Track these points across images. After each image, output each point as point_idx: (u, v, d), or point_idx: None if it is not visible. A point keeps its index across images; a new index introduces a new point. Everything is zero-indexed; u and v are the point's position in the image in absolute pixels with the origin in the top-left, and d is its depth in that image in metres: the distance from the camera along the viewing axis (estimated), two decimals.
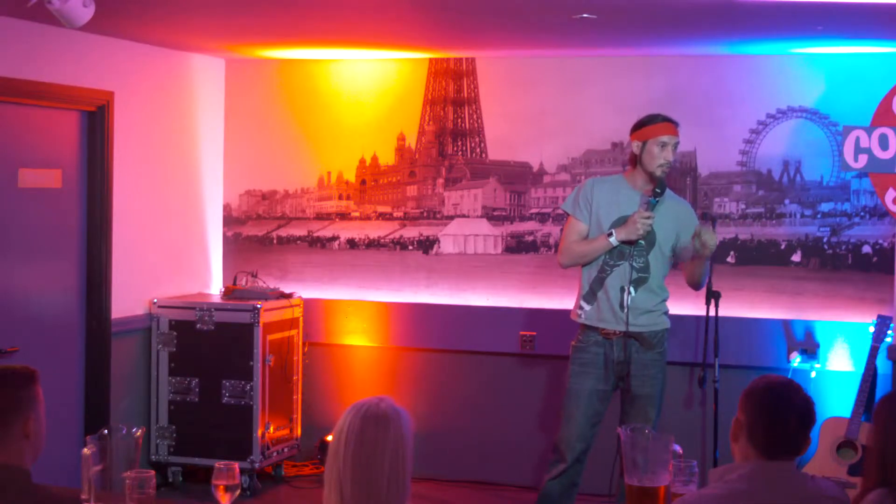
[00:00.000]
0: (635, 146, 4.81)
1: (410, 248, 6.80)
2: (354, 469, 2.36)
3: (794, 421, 2.74)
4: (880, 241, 6.03)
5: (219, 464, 2.98)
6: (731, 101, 6.21)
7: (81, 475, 2.92)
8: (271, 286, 6.68)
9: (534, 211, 6.58)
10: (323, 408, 6.74)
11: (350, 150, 6.86)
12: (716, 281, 5.14)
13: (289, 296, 6.54)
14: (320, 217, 6.96)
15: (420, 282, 6.75)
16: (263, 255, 7.02)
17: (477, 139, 6.67)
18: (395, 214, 6.84)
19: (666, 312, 4.89)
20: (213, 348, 6.24)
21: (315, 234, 6.98)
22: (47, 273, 5.70)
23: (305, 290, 6.79)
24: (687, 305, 5.83)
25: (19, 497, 2.68)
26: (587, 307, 4.85)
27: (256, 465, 6.16)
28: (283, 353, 6.42)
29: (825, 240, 6.11)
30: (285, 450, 6.48)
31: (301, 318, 6.62)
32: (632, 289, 4.76)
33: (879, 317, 5.69)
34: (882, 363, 5.70)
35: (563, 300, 6.23)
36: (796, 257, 6.16)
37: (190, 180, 6.74)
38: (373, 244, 6.88)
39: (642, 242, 4.76)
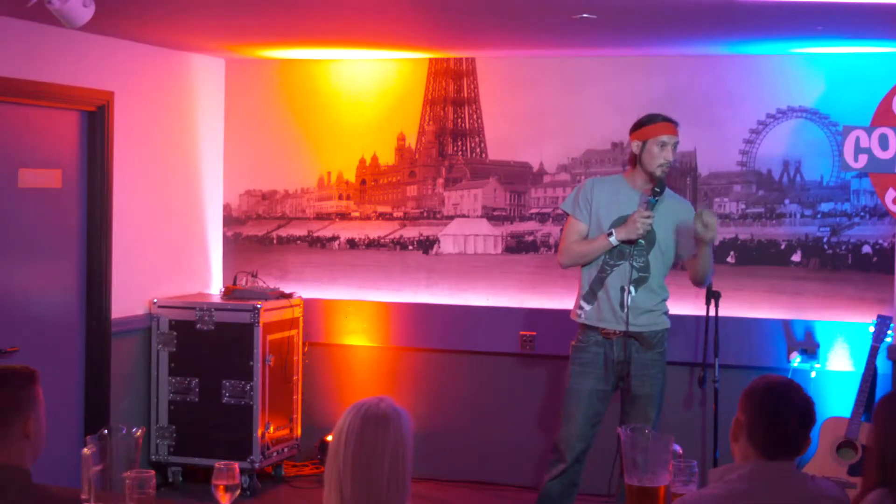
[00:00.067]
0: (635, 146, 4.80)
1: (410, 248, 6.80)
2: (354, 469, 2.36)
3: (794, 421, 2.74)
4: (880, 241, 6.03)
5: (219, 464, 2.98)
6: (731, 101, 6.21)
7: (81, 475, 2.92)
8: (271, 286, 6.68)
9: (534, 211, 6.58)
10: (323, 408, 6.74)
11: (350, 150, 6.86)
12: (716, 281, 5.14)
13: (289, 296, 6.54)
14: (320, 217, 6.96)
15: (420, 282, 6.75)
16: (263, 255, 7.02)
17: (477, 139, 6.67)
18: (395, 214, 6.84)
19: (666, 312, 4.89)
20: (213, 348, 6.24)
21: (315, 234, 6.98)
22: (47, 273, 5.70)
23: (305, 290, 6.79)
24: (687, 305, 5.83)
25: (19, 497, 2.68)
26: (587, 307, 4.85)
27: (256, 465, 6.16)
28: (283, 353, 6.42)
29: (825, 240, 6.11)
30: (285, 450, 6.48)
31: (301, 318, 6.62)
32: (632, 288, 4.76)
33: (879, 317, 5.69)
34: (882, 363, 5.70)
35: (563, 300, 6.23)
36: (796, 257, 6.16)
37: (190, 180, 6.74)
38: (373, 244, 6.88)
39: (642, 242, 4.76)
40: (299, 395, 6.61)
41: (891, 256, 5.99)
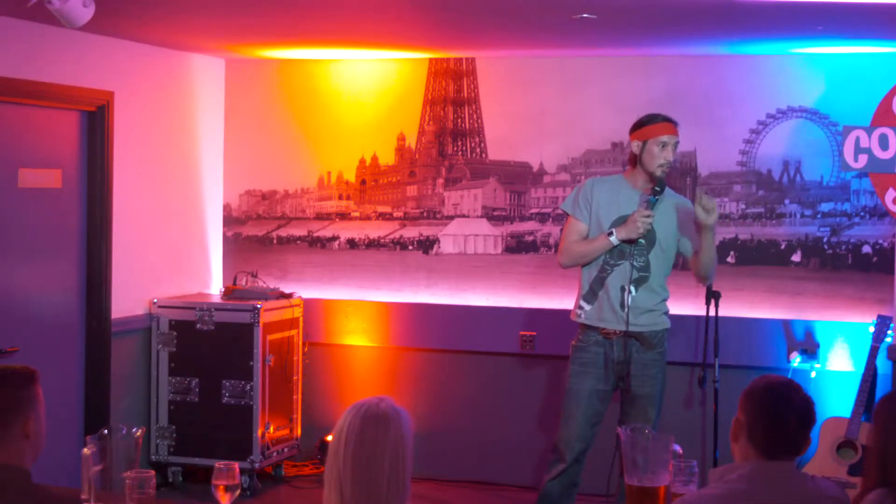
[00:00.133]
0: (635, 146, 4.80)
1: (410, 248, 6.80)
2: (354, 469, 2.36)
3: (794, 421, 2.74)
4: (880, 241, 6.03)
5: (219, 464, 2.98)
6: (731, 101, 6.21)
7: (81, 475, 2.92)
8: (271, 286, 6.68)
9: (534, 211, 6.58)
10: (323, 408, 6.74)
11: (350, 150, 6.86)
12: (716, 281, 5.14)
13: (289, 296, 6.54)
14: (320, 217, 6.96)
15: (420, 282, 6.75)
16: (263, 255, 7.02)
17: (477, 139, 6.67)
18: (395, 214, 6.84)
19: (666, 312, 4.88)
20: (213, 348, 6.24)
21: (315, 234, 6.98)
22: (47, 273, 5.70)
23: (305, 290, 6.79)
24: (687, 305, 5.83)
25: (19, 497, 2.68)
26: (587, 307, 4.85)
27: (256, 465, 6.16)
28: (283, 353, 6.42)
29: (825, 240, 6.11)
30: (285, 450, 6.48)
31: (301, 318, 6.62)
32: (632, 288, 4.76)
33: (879, 317, 5.69)
34: (882, 363, 5.70)
35: (563, 300, 6.23)
36: (796, 257, 6.16)
37: (190, 180, 6.74)
38: (373, 244, 6.88)
39: (642, 241, 4.75)
40: (299, 395, 6.62)
41: (891, 256, 5.99)
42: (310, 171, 6.94)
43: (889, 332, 5.65)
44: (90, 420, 5.83)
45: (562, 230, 5.07)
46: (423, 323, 6.64)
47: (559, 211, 6.32)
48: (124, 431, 2.96)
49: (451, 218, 6.73)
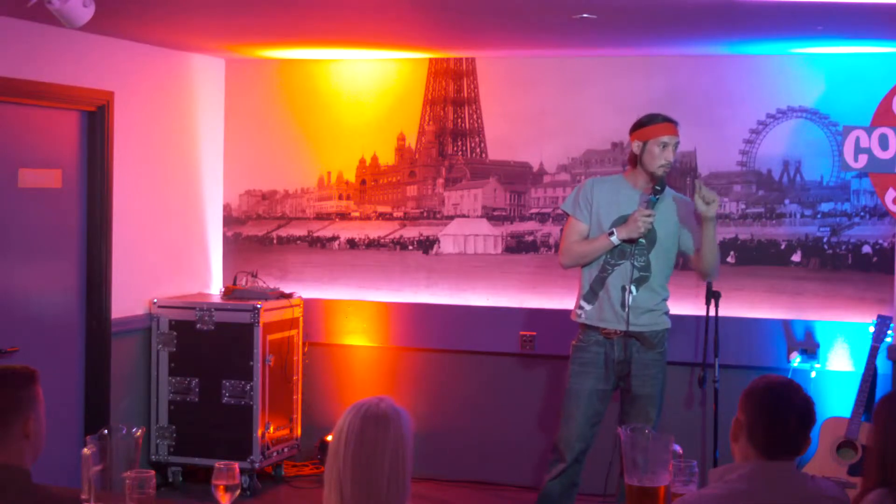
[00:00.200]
0: (636, 146, 4.80)
1: (410, 248, 6.80)
2: (354, 469, 2.36)
3: (794, 421, 2.74)
4: (880, 241, 6.03)
5: (219, 464, 2.98)
6: (731, 101, 6.21)
7: (81, 475, 2.92)
8: (271, 286, 6.68)
9: (534, 211, 6.58)
10: (323, 408, 6.74)
11: (350, 150, 6.86)
12: (716, 281, 5.14)
13: (289, 296, 6.54)
14: (320, 217, 6.96)
15: (420, 282, 6.75)
16: (263, 255, 7.02)
17: (477, 139, 6.67)
18: (395, 214, 6.84)
19: (667, 312, 4.88)
20: (213, 348, 6.24)
21: (315, 234, 6.98)
22: (47, 273, 5.70)
23: (305, 290, 6.79)
24: (687, 305, 5.83)
25: (19, 497, 2.68)
26: (588, 307, 4.85)
27: (256, 465, 6.16)
28: (283, 353, 6.42)
29: (825, 240, 6.11)
30: (285, 450, 6.48)
31: (301, 318, 6.62)
32: (633, 288, 4.76)
33: (879, 317, 5.69)
34: (882, 363, 5.70)
35: (563, 300, 6.23)
36: (796, 257, 6.16)
37: (190, 180, 6.74)
38: (373, 244, 6.88)
39: (643, 241, 4.75)
40: (299, 395, 6.61)
41: (891, 256, 5.99)
42: (310, 171, 6.94)
43: (889, 332, 5.65)
44: (90, 420, 5.83)
45: (562, 230, 5.07)
46: (423, 323, 6.64)
47: (559, 211, 6.32)
48: (124, 431, 2.96)
49: (451, 218, 6.73)
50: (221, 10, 5.17)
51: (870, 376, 5.56)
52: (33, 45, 5.41)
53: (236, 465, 2.99)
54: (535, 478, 6.11)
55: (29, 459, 2.77)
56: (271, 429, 6.29)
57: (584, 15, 4.91)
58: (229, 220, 7.07)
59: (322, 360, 6.81)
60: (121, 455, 2.93)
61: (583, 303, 4.86)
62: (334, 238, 6.95)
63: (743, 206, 6.23)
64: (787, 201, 6.17)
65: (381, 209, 6.87)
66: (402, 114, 6.76)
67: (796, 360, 5.99)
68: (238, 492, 2.98)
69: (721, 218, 6.11)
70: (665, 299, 4.87)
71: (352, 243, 6.92)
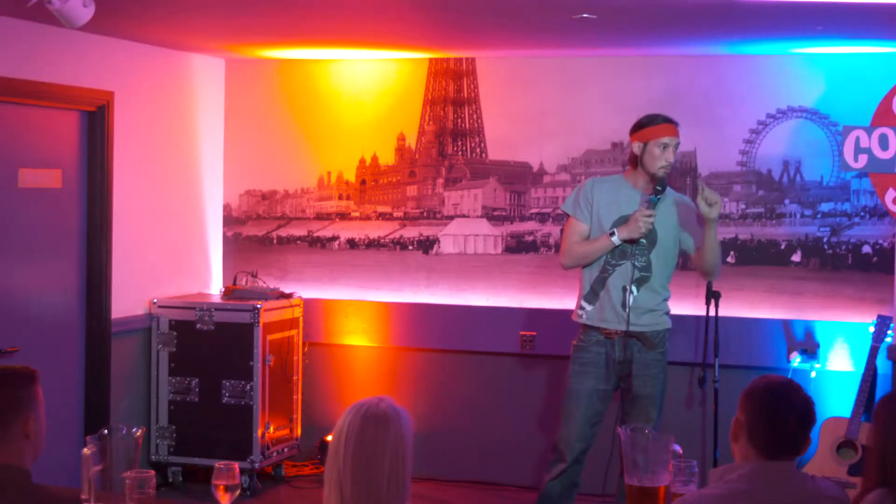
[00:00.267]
0: (636, 147, 4.79)
1: (410, 248, 6.80)
2: (354, 469, 2.36)
3: (794, 421, 2.74)
4: (880, 241, 6.03)
5: (219, 464, 2.98)
6: (731, 101, 6.21)
7: (81, 475, 2.92)
8: (271, 286, 6.68)
9: (534, 211, 6.58)
10: (323, 408, 6.74)
11: (350, 150, 6.86)
12: (716, 281, 5.13)
13: (289, 296, 6.54)
14: (320, 217, 6.96)
15: (420, 282, 6.75)
16: (263, 255, 7.02)
17: (477, 139, 6.67)
18: (395, 214, 6.84)
19: (667, 312, 4.88)
20: (213, 348, 6.24)
21: (315, 234, 6.98)
22: (47, 273, 5.70)
23: (305, 290, 6.79)
24: (687, 305, 5.83)
25: (19, 497, 2.68)
26: (589, 307, 4.85)
27: (256, 465, 6.16)
28: (283, 353, 6.42)
29: (825, 240, 6.11)
30: (285, 450, 6.48)
31: (301, 318, 6.62)
32: (634, 288, 4.76)
33: (879, 317, 5.69)
34: (882, 363, 5.70)
35: (563, 300, 6.23)
36: (796, 257, 6.16)
37: (190, 180, 6.74)
38: (373, 244, 6.88)
39: (644, 241, 4.75)
40: (299, 395, 6.61)
41: (891, 256, 5.99)
42: (310, 171, 6.94)
43: (889, 332, 5.65)
44: (90, 420, 5.83)
45: (562, 231, 5.07)
46: (423, 323, 6.64)
47: (559, 211, 6.32)
48: (124, 431, 2.96)
49: (451, 218, 6.73)
50: (221, 10, 5.17)
51: (870, 376, 5.56)
52: (33, 45, 5.41)
53: (236, 465, 2.99)
54: (535, 478, 6.11)
55: (29, 459, 2.77)
56: (271, 429, 6.29)
57: (584, 15, 4.91)
58: (229, 220, 7.07)
59: (322, 360, 6.81)
60: (121, 455, 2.93)
61: (584, 303, 4.86)
62: (334, 238, 6.96)
63: (743, 206, 6.23)
64: (787, 201, 6.17)
65: (381, 209, 6.87)
66: (402, 114, 6.76)
67: (796, 360, 5.99)
68: (238, 492, 2.98)
69: (721, 218, 6.07)
70: (666, 299, 4.86)
71: (352, 243, 6.92)
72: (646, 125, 4.77)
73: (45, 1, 4.05)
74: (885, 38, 5.54)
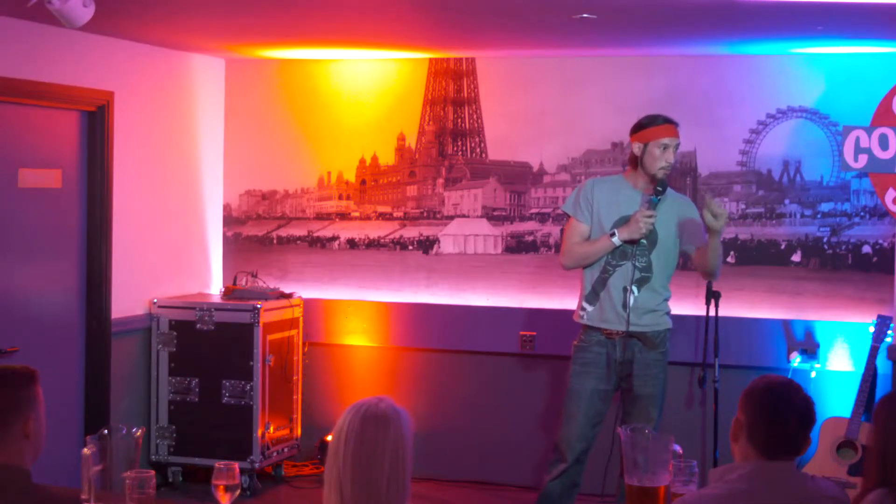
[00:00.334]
0: (636, 148, 4.79)
1: (410, 248, 6.80)
2: (354, 469, 2.36)
3: (794, 421, 2.74)
4: (880, 241, 6.03)
5: (219, 464, 2.98)
6: (731, 101, 6.21)
7: (81, 475, 2.92)
8: (271, 286, 6.68)
9: (534, 211, 6.58)
10: (323, 408, 6.74)
11: (350, 150, 6.86)
12: (716, 281, 5.13)
13: (289, 296, 6.54)
14: (320, 217, 6.96)
15: (420, 282, 6.75)
16: (263, 255, 7.02)
17: (477, 139, 6.67)
18: (395, 214, 6.84)
19: (668, 312, 4.88)
20: (213, 348, 6.24)
21: (315, 234, 6.98)
22: (47, 273, 5.70)
23: (305, 290, 6.79)
24: (687, 305, 5.83)
25: (19, 497, 2.68)
26: (590, 308, 4.85)
27: (256, 465, 6.16)
28: (283, 353, 6.42)
29: (825, 240, 6.11)
30: (285, 450, 6.48)
31: (301, 318, 6.62)
32: (634, 288, 4.76)
33: (879, 317, 5.69)
34: (882, 363, 5.70)
35: (563, 300, 6.23)
36: (796, 257, 6.16)
37: (190, 180, 6.74)
38: (373, 244, 6.88)
39: (644, 242, 4.75)
40: (299, 395, 6.61)
41: (891, 256, 5.99)
42: (310, 171, 6.94)
43: (889, 332, 5.65)
44: (90, 420, 5.83)
45: (562, 231, 5.07)
46: (423, 323, 6.64)
47: (559, 211, 6.33)
48: (124, 431, 2.96)
49: (451, 218, 6.73)
50: (221, 10, 5.17)
51: (870, 376, 5.56)
52: (33, 45, 5.41)
53: (236, 465, 2.99)
54: (535, 478, 6.11)
55: (29, 459, 2.77)
56: (271, 429, 6.29)
57: (584, 15, 4.91)
58: (229, 220, 7.07)
59: (322, 360, 6.81)
60: (121, 455, 2.93)
61: (585, 304, 4.86)
62: (334, 238, 6.96)
63: (743, 206, 6.23)
64: (787, 201, 6.17)
65: (381, 209, 6.87)
66: (402, 114, 6.76)
67: (796, 360, 5.99)
68: (238, 492, 2.98)
69: None
70: (667, 299, 4.87)
71: (352, 243, 6.92)
72: (646, 126, 4.77)
73: (45, 1, 4.05)
74: (885, 38, 5.54)
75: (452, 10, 5.04)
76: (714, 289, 5.28)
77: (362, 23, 5.45)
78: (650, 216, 4.68)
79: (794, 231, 6.17)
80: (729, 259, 6.20)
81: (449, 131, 6.71)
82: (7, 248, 5.42)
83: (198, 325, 6.25)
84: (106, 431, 2.94)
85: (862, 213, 6.05)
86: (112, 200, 5.95)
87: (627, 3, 4.74)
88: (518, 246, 6.61)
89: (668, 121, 4.78)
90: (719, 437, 5.34)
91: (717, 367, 5.33)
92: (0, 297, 5.38)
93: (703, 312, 5.39)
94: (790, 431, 2.73)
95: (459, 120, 6.68)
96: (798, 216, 6.16)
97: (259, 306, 6.20)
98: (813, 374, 5.95)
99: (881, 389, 5.59)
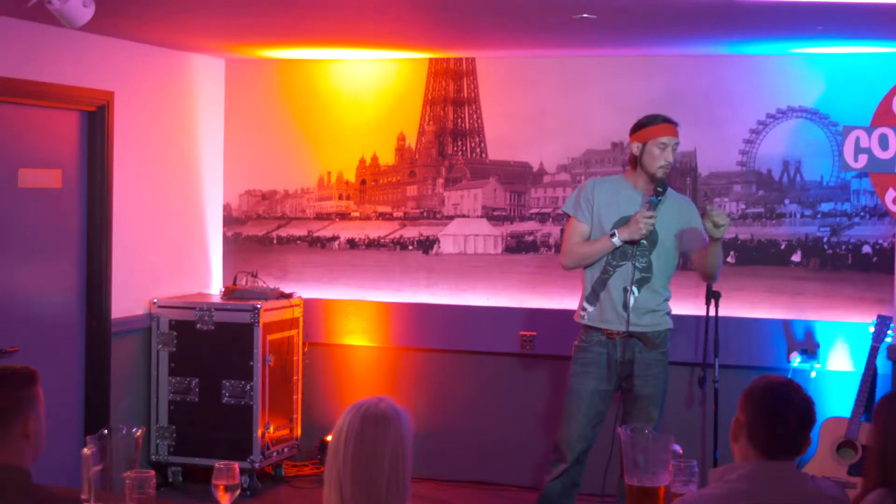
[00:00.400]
0: (635, 147, 4.79)
1: (410, 248, 6.80)
2: (354, 469, 2.36)
3: (794, 421, 2.74)
4: (880, 241, 6.03)
5: (219, 464, 2.98)
6: (731, 101, 6.21)
7: (81, 475, 2.92)
8: (271, 286, 6.68)
9: (534, 211, 6.58)
10: (323, 408, 6.74)
11: (350, 150, 6.86)
12: (717, 279, 5.13)
13: (289, 296, 6.54)
14: (320, 217, 6.96)
15: (420, 282, 6.75)
16: (263, 255, 7.02)
17: (477, 139, 6.67)
18: (395, 214, 6.84)
19: (669, 313, 4.88)
20: (213, 348, 6.24)
21: (315, 234, 6.98)
22: (47, 273, 5.70)
23: (305, 290, 6.79)
24: (687, 305, 5.83)
25: (19, 497, 2.68)
26: (590, 308, 4.85)
27: (256, 465, 6.16)
28: (283, 353, 6.42)
29: (825, 240, 6.11)
30: (285, 450, 6.48)
31: (301, 318, 6.62)
32: (635, 289, 4.76)
33: (879, 317, 5.69)
34: (882, 363, 5.70)
35: (563, 300, 6.23)
36: (796, 257, 6.16)
37: (190, 180, 6.74)
38: (373, 244, 6.88)
39: (644, 242, 4.75)
40: (299, 395, 6.61)
41: (891, 256, 5.98)
42: (310, 171, 6.94)
43: (889, 332, 5.65)
44: (90, 420, 5.83)
45: (562, 231, 5.07)
46: (423, 323, 6.64)
47: (559, 211, 6.33)
48: (124, 431, 2.96)
49: (451, 218, 6.73)
50: (221, 10, 5.17)
51: (870, 376, 5.56)
52: (33, 45, 5.41)
53: (236, 465, 2.99)
54: (535, 478, 6.11)
55: (29, 459, 2.77)
56: (271, 429, 6.29)
57: (584, 15, 4.91)
58: (229, 220, 7.07)
59: (322, 360, 6.81)
60: (121, 455, 2.93)
61: (585, 304, 4.86)
62: (334, 238, 6.96)
63: (743, 206, 6.23)
64: (787, 201, 6.17)
65: (381, 209, 6.87)
66: (402, 114, 6.76)
67: (796, 360, 5.99)
68: (238, 492, 2.98)
69: None
70: (667, 299, 4.87)
71: (352, 243, 6.92)
72: (645, 125, 4.78)
73: (45, 1, 4.05)
74: (885, 38, 5.54)
75: (452, 10, 5.04)
76: (714, 289, 5.28)
77: (362, 23, 5.45)
78: (650, 217, 4.68)
79: (794, 231, 6.17)
80: (729, 259, 6.20)
81: (449, 131, 6.71)
82: (7, 248, 5.42)
83: (198, 325, 6.25)
84: (106, 431, 2.94)
85: (862, 213, 6.05)
86: (112, 200, 5.95)
87: (627, 3, 4.74)
88: (518, 246, 6.61)
89: (666, 120, 4.78)
90: (719, 437, 5.34)
91: (717, 367, 5.33)
92: (0, 297, 5.38)
93: (703, 312, 5.40)
94: (790, 431, 2.73)
95: (459, 120, 6.68)
96: (798, 216, 6.16)
97: (259, 306, 6.20)
98: (813, 374, 5.95)
99: (881, 389, 5.60)
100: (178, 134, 6.60)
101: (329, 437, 2.50)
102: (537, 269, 6.54)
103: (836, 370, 5.99)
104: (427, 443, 6.29)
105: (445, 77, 6.68)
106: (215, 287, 6.94)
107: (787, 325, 6.07)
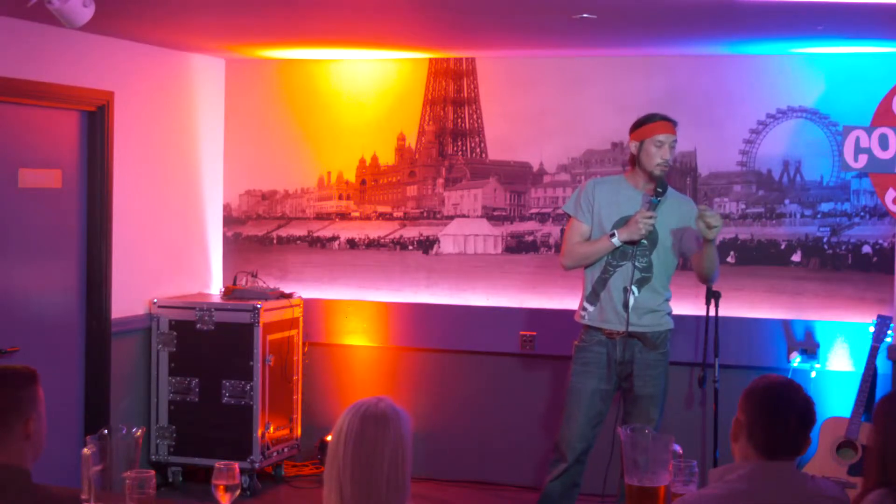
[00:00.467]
0: (633, 146, 4.80)
1: (410, 248, 6.80)
2: (354, 469, 2.36)
3: (794, 421, 2.74)
4: (880, 241, 6.03)
5: (219, 464, 2.98)
6: (731, 101, 6.21)
7: (81, 475, 2.92)
8: (271, 286, 6.68)
9: (534, 211, 6.58)
10: (323, 408, 6.74)
11: (350, 150, 6.86)
12: (716, 281, 5.13)
13: (289, 296, 6.54)
14: (320, 217, 6.96)
15: (420, 282, 6.75)
16: (263, 255, 7.02)
17: (477, 139, 6.67)
18: (395, 214, 6.84)
19: (669, 313, 4.88)
20: (213, 348, 6.24)
21: (315, 234, 6.98)
22: (47, 273, 5.70)
23: (305, 290, 6.79)
24: (687, 305, 5.83)
25: (19, 497, 2.68)
26: (590, 308, 4.85)
27: (256, 465, 6.16)
28: (283, 353, 6.42)
29: (825, 240, 6.11)
30: (285, 450, 6.48)
31: (301, 318, 6.62)
32: (635, 289, 4.76)
33: (879, 317, 5.69)
34: (882, 363, 5.70)
35: (563, 300, 6.23)
36: (796, 257, 6.16)
37: (190, 180, 6.74)
38: (373, 244, 6.88)
39: (645, 242, 4.75)
40: (299, 395, 6.61)
41: (891, 256, 5.99)
42: (310, 171, 6.94)
43: (889, 332, 5.65)
44: (90, 420, 5.83)
45: (562, 231, 5.07)
46: (423, 323, 6.64)
47: (559, 211, 6.33)
48: (124, 431, 2.96)
49: (451, 218, 6.73)
50: (221, 10, 5.17)
51: (870, 376, 5.56)
52: (33, 45, 5.41)
53: (236, 465, 2.99)
54: (535, 478, 6.11)
55: (29, 459, 2.77)
56: (271, 429, 6.29)
57: (584, 15, 4.91)
58: (229, 220, 7.07)
59: (322, 360, 6.81)
60: (121, 455, 2.93)
61: (586, 304, 4.86)
62: (334, 238, 6.96)
63: (743, 206, 6.23)
64: (787, 201, 6.17)
65: (381, 209, 6.87)
66: (402, 114, 6.76)
67: (796, 360, 5.99)
68: (238, 492, 2.98)
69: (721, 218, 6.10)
70: (668, 299, 4.87)
71: (352, 243, 6.92)
72: (643, 123, 4.79)
73: (45, 1, 4.05)
74: (885, 38, 5.54)
75: (452, 10, 5.04)
76: (714, 289, 5.28)
77: (362, 23, 5.45)
78: (650, 217, 4.68)
79: (794, 231, 6.17)
80: (729, 259, 6.20)
81: (449, 131, 6.71)
82: (7, 248, 5.42)
83: (198, 325, 6.25)
84: (106, 431, 2.94)
85: (862, 213, 6.05)
86: (112, 200, 5.95)
87: (627, 3, 4.74)
88: (518, 246, 6.61)
89: (664, 118, 4.78)
90: (719, 437, 5.34)
91: (717, 367, 5.33)
92: (0, 297, 5.38)
93: (703, 312, 5.39)
94: (790, 431, 2.73)
95: (459, 120, 6.68)
96: (798, 216, 6.16)
97: (259, 306, 6.20)
98: (813, 374, 5.95)
99: (881, 389, 5.60)
100: (177, 134, 6.60)
101: (329, 437, 2.50)
102: (537, 269, 6.54)
103: (836, 370, 5.99)
104: (427, 443, 6.29)
105: (445, 77, 6.68)
106: (215, 287, 6.94)
107: (787, 325, 6.07)
